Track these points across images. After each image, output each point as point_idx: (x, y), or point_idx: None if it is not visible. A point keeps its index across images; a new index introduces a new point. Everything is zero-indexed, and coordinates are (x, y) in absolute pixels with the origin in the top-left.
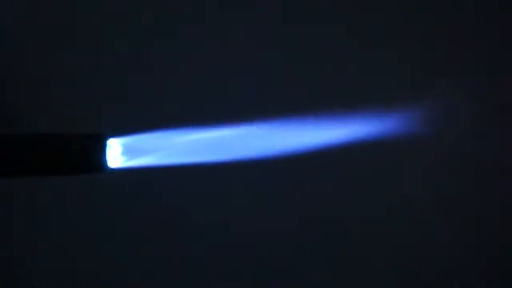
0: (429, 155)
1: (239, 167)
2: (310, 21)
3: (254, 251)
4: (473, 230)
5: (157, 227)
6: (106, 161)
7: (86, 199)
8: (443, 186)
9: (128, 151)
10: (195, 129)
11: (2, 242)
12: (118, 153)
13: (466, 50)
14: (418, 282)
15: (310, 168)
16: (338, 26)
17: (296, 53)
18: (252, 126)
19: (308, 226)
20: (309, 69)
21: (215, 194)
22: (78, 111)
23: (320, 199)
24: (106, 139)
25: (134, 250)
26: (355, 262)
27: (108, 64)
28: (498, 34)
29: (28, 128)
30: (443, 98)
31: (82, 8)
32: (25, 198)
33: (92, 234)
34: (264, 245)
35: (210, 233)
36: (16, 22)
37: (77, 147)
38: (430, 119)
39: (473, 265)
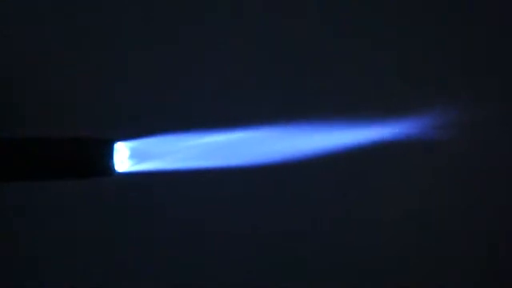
0: (430, 158)
1: (246, 171)
2: (311, 22)
3: (261, 256)
4: (472, 230)
5: (163, 231)
6: (113, 164)
7: (93, 202)
8: (445, 188)
9: (135, 155)
10: (202, 133)
11: (4, 243)
12: (125, 156)
13: (467, 50)
14: (421, 282)
15: (316, 172)
16: (340, 26)
17: (300, 56)
18: (259, 130)
19: (312, 230)
20: (313, 73)
21: (222, 198)
22: (86, 115)
23: (324, 203)
24: (114, 143)
25: (142, 254)
26: (358, 264)
27: (116, 68)
28: (498, 33)
29: (34, 132)
30: (445, 100)
31: (94, 10)
32: (31, 201)
33: (99, 237)
34: (270, 249)
35: (217, 237)
36: (17, 22)
37: (84, 151)
38: (433, 122)
39: (473, 264)
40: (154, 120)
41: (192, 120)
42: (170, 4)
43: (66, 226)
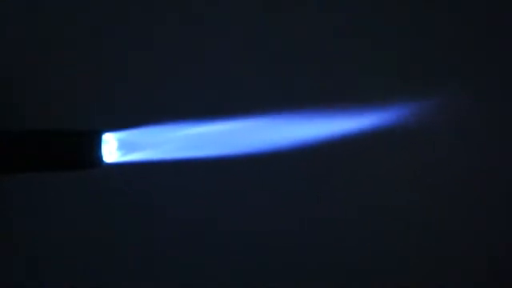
0: (427, 153)
1: (235, 162)
2: (309, 18)
3: (248, 247)
4: (472, 229)
5: (152, 222)
6: (101, 156)
7: (81, 194)
8: (441, 185)
9: (124, 146)
10: (191, 123)
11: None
12: (113, 148)
13: (466, 49)
14: (421, 282)
15: (307, 163)
16: (337, 24)
17: (293, 48)
18: (248, 120)
19: (305, 223)
20: (306, 64)
21: (210, 189)
22: (74, 106)
23: (317, 195)
24: (101, 134)
25: (130, 246)
26: (354, 260)
27: (105, 59)
28: (497, 33)
29: (21, 124)
30: (442, 95)
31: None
32: (18, 194)
33: (88, 229)
34: (261, 242)
35: (204, 229)
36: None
37: (72, 142)
38: (429, 117)
39: (473, 265)
40: (142, 110)
41: (181, 110)
42: None
43: (52, 219)
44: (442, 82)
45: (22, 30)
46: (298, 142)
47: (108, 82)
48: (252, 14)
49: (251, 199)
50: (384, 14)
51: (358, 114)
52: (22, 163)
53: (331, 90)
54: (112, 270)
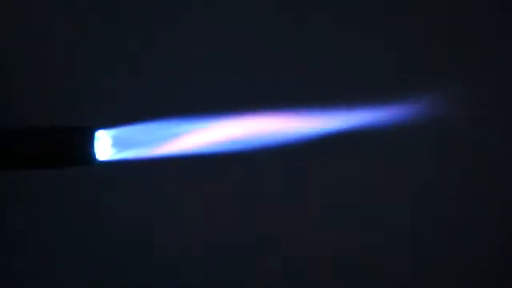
0: (426, 152)
1: (230, 159)
2: (309, 17)
3: (248, 247)
4: (472, 229)
5: (146, 219)
6: (94, 153)
7: (76, 192)
8: (440, 184)
9: (118, 143)
10: (185, 120)
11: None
12: (107, 145)
13: (466, 50)
14: (419, 280)
15: (307, 162)
16: (337, 23)
17: (291, 45)
18: (245, 118)
19: (305, 223)
20: (305, 64)
21: (207, 186)
22: (68, 103)
23: (316, 194)
24: (95, 131)
25: (124, 243)
26: (354, 260)
27: (103, 58)
28: (497, 33)
29: (14, 121)
30: (441, 94)
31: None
32: (11, 191)
33: (81, 227)
34: (261, 242)
35: (204, 226)
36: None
37: (64, 140)
38: (428, 116)
39: (473, 265)
40: (136, 107)
41: (175, 107)
42: None
43: (46, 216)
44: (442, 81)
45: (23, 30)
46: (299, 140)
47: (105, 80)
48: (252, 13)
49: (250, 198)
50: (384, 13)
51: (356, 112)
52: (13, 160)
53: (330, 89)
54: (112, 270)
